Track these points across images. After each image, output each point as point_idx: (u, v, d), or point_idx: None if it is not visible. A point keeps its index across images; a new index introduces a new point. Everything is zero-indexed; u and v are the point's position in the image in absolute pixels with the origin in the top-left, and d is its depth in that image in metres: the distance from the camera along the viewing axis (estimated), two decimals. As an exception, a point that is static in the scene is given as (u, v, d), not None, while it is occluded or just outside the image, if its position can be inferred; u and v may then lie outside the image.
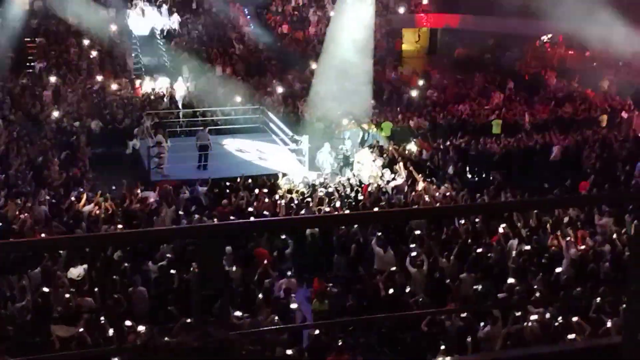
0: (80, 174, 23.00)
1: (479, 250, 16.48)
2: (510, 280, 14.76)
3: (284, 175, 23.35)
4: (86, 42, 34.60)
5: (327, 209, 19.62)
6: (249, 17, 40.71)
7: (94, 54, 33.98)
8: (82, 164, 24.01)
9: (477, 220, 18.37)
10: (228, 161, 25.80)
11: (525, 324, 12.99)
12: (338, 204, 20.22)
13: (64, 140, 25.89)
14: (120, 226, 17.96)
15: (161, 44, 36.64)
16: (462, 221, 18.02)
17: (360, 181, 22.98)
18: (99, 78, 31.73)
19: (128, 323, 12.89)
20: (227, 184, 22.03)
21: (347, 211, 19.24)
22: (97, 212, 19.08)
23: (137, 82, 32.32)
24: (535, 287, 14.66)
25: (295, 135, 27.13)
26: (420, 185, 21.72)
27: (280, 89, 32.46)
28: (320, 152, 25.68)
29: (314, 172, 24.86)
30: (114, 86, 31.06)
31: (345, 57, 29.84)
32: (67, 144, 25.45)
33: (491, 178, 24.38)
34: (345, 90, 29.50)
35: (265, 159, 26.51)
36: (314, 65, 33.90)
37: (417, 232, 17.60)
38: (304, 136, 26.58)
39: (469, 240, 17.14)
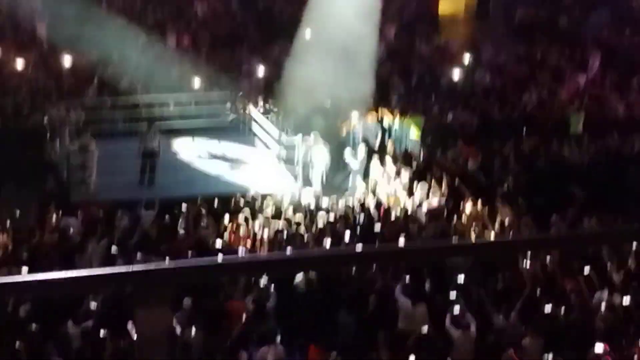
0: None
1: (551, 304, 16.44)
2: (598, 349, 14.73)
3: (267, 194, 23.33)
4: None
5: (329, 243, 19.61)
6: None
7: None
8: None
9: (548, 259, 18.31)
10: (185, 174, 25.81)
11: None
12: (347, 235, 20.21)
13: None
14: (26, 268, 17.90)
15: (87, 3, 36.76)
16: (527, 261, 17.96)
17: (378, 202, 22.98)
18: (-4, 52, 31.80)
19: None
20: (184, 207, 22.02)
21: (359, 246, 19.22)
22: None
23: (52, 58, 32.37)
24: (636, 358, 14.64)
25: (285, 134, 27.15)
26: (467, 209, 21.71)
27: (261, 69, 32.52)
28: (309, 153, 25.71)
29: (311, 187, 24.90)
30: (18, 64, 31.11)
31: (339, 21, 30.11)
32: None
33: (569, 197, 24.38)
34: (341, 70, 29.63)
35: (240, 170, 26.52)
36: (308, 35, 33.99)
37: (461, 277, 17.57)
38: (296, 136, 26.61)
39: (537, 290, 17.09)
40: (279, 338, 16.22)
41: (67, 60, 31.98)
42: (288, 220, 21.45)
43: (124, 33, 33.64)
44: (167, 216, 21.57)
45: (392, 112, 29.44)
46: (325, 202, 23.18)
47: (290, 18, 36.58)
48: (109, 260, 18.83)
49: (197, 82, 31.25)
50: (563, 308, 16.65)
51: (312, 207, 22.59)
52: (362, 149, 26.83)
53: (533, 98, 30.93)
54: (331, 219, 21.44)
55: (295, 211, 22.28)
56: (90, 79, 31.41)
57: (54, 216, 21.05)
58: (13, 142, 27.44)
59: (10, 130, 27.99)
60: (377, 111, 29.14)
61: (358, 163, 25.97)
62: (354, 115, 28.97)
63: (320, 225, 20.62)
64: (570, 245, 17.70)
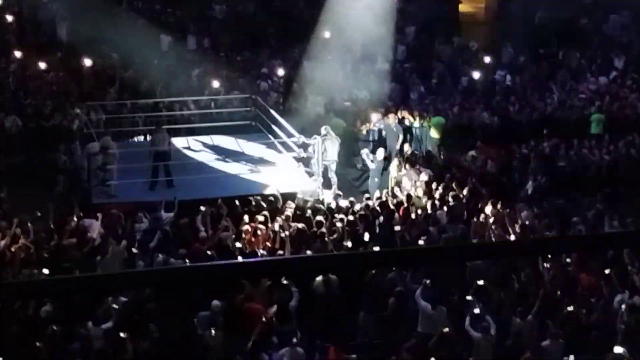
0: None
1: (571, 306, 16.39)
2: (618, 350, 14.67)
3: (287, 194, 23.33)
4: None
5: (349, 244, 19.59)
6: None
7: (9, 19, 34.21)
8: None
9: (568, 260, 18.26)
10: (205, 175, 25.83)
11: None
12: (366, 237, 20.19)
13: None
14: (46, 271, 17.97)
15: (108, 6, 36.87)
16: (546, 263, 17.91)
17: (398, 202, 22.94)
18: (17, 54, 31.91)
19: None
20: (204, 208, 22.04)
21: (378, 248, 19.20)
22: (14, 249, 19.10)
23: (73, 60, 32.49)
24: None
25: (304, 137, 27.16)
26: (488, 210, 21.66)
27: (281, 71, 32.55)
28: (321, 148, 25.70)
29: (330, 187, 24.91)
30: (40, 66, 31.23)
31: (358, 22, 30.13)
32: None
33: (589, 199, 24.30)
34: (360, 71, 29.65)
35: (260, 171, 26.52)
36: (327, 34, 34.03)
37: (481, 280, 17.54)
38: (315, 138, 26.63)
39: (557, 292, 17.03)
40: (299, 339, 16.24)
41: (88, 62, 32.09)
42: (308, 221, 21.44)
43: (145, 35, 33.73)
44: (186, 218, 21.58)
45: (412, 113, 29.43)
46: (345, 202, 23.15)
47: (309, 20, 36.62)
48: (129, 262, 18.89)
49: (215, 83, 31.30)
50: (583, 310, 16.60)
51: (332, 207, 22.56)
52: (381, 150, 26.80)
53: (554, 98, 30.87)
54: (351, 219, 21.40)
55: (315, 212, 22.27)
56: (111, 81, 31.48)
57: (75, 218, 21.09)
58: (35, 144, 27.57)
59: (31, 131, 28.10)
60: (397, 112, 29.14)
61: (376, 163, 25.94)
62: (374, 115, 28.97)
63: (340, 225, 20.58)
64: (590, 247, 17.66)
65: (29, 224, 20.25)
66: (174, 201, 22.24)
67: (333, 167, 25.67)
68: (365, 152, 26.50)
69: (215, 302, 16.64)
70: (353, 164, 27.59)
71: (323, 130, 26.05)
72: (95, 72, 31.95)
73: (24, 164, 26.69)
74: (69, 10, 35.73)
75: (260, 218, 21.19)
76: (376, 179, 25.76)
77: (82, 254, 19.32)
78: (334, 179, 25.47)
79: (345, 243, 19.68)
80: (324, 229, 20.46)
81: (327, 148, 25.68)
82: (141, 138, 29.15)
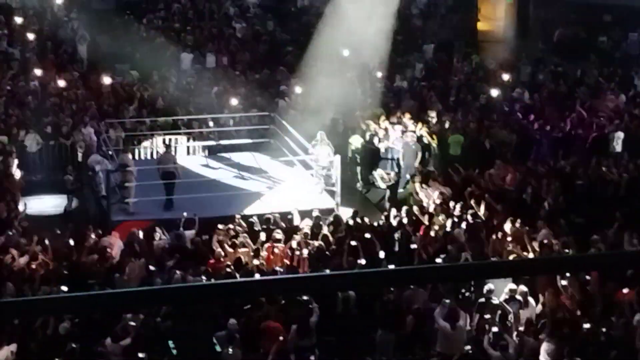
0: (7, 212, 23.15)
1: (588, 324, 16.33)
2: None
3: (306, 212, 23.34)
4: (18, 20, 35.02)
5: (363, 262, 19.60)
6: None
7: (30, 37, 34.37)
8: (10, 197, 24.19)
9: (588, 278, 18.19)
10: (223, 192, 25.86)
11: None
12: (382, 254, 20.19)
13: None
14: (64, 288, 18.03)
15: (128, 24, 37.04)
16: (564, 282, 17.86)
17: (417, 220, 22.92)
18: (37, 72, 32.05)
19: None
20: (221, 226, 22.07)
21: (393, 266, 19.19)
22: (34, 266, 19.17)
23: (92, 77, 32.61)
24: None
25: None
26: (506, 228, 21.61)
27: (298, 89, 32.61)
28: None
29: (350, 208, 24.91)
30: (60, 84, 31.35)
31: (376, 40, 30.29)
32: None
33: (609, 217, 24.22)
34: (379, 88, 29.70)
35: (278, 188, 26.54)
36: (345, 52, 34.07)
37: (498, 299, 17.49)
38: (335, 157, 26.65)
39: (577, 311, 16.97)
40: (317, 358, 16.22)
41: (107, 80, 32.20)
42: (325, 239, 21.45)
43: (164, 53, 33.86)
44: (205, 235, 21.62)
45: (430, 130, 29.41)
46: (362, 219, 23.12)
47: (327, 38, 36.69)
48: (147, 280, 18.93)
49: (233, 100, 31.36)
50: (603, 328, 16.54)
51: (350, 224, 22.55)
52: (396, 170, 26.86)
53: (573, 116, 30.76)
54: (367, 236, 21.38)
55: (332, 229, 22.28)
56: (130, 99, 31.57)
57: (94, 235, 21.16)
58: (54, 161, 27.68)
59: (51, 149, 28.20)
60: (415, 129, 29.12)
61: (391, 181, 26.01)
62: (392, 133, 28.95)
63: (355, 243, 20.56)
64: (610, 265, 17.61)
65: (48, 242, 20.33)
66: (194, 218, 22.29)
67: (323, 172, 25.83)
68: (378, 174, 26.60)
69: (232, 321, 16.65)
70: (372, 182, 27.60)
71: (318, 136, 26.28)
72: (115, 90, 32.05)
73: (43, 182, 26.80)
74: (89, 29, 35.91)
75: (278, 236, 21.21)
76: (395, 196, 25.80)
77: (102, 271, 19.37)
78: (321, 183, 25.71)
79: (360, 261, 19.67)
80: (341, 247, 20.47)
81: (318, 153, 25.93)
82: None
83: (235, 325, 16.58)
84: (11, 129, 28.31)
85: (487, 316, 16.99)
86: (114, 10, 38.15)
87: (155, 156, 28.28)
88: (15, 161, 26.35)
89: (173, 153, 26.40)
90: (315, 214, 23.43)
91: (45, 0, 36.43)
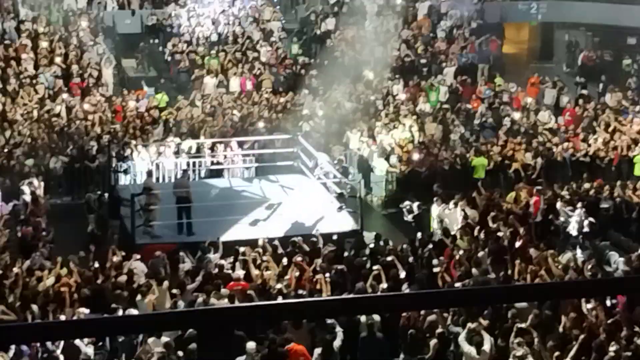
0: (32, 234, 23.25)
1: (614, 347, 16.22)
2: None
3: (329, 235, 23.33)
4: (44, 44, 35.26)
5: (385, 286, 19.57)
6: (278, 7, 41.23)
7: (56, 61, 34.60)
8: (35, 219, 24.30)
9: (615, 302, 18.09)
10: (246, 215, 25.88)
11: None
12: (402, 274, 20.19)
13: (10, 186, 26.26)
14: (87, 310, 18.08)
15: (153, 46, 37.24)
16: (590, 305, 17.76)
17: (439, 241, 22.89)
18: (64, 96, 32.25)
19: None
20: (242, 249, 22.06)
21: (413, 290, 19.15)
22: (58, 288, 19.24)
23: (118, 100, 32.79)
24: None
25: (347, 179, 27.20)
26: (530, 251, 21.55)
27: (322, 112, 32.67)
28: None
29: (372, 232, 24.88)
30: (85, 107, 31.53)
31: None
32: (14, 192, 25.82)
33: (633, 239, 24.12)
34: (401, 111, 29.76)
35: (301, 211, 26.53)
36: (370, 75, 34.15)
37: (523, 324, 17.41)
38: (358, 181, 26.67)
39: (603, 336, 16.87)
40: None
41: (132, 104, 32.37)
42: (348, 262, 21.42)
43: (189, 76, 34.00)
44: (229, 258, 21.64)
45: (454, 154, 29.40)
46: (386, 242, 23.10)
47: (354, 59, 36.80)
48: (172, 303, 18.95)
49: (259, 124, 31.44)
50: (627, 353, 16.43)
51: (372, 247, 22.52)
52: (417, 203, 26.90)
53: (597, 139, 30.70)
54: (389, 259, 21.35)
55: (355, 253, 22.26)
56: (155, 122, 31.69)
57: (117, 258, 21.21)
58: (79, 184, 27.81)
59: (76, 172, 28.33)
60: (438, 153, 29.14)
61: (416, 206, 26.06)
62: (415, 155, 28.98)
63: (377, 267, 20.53)
64: (635, 289, 17.50)
65: (72, 264, 20.41)
66: (217, 242, 22.32)
67: (347, 194, 25.99)
68: (406, 205, 26.67)
69: (251, 344, 16.55)
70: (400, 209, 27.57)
71: (342, 158, 26.45)
72: (140, 113, 32.18)
73: (68, 205, 26.93)
74: (115, 53, 36.14)
75: (300, 259, 21.20)
76: (417, 219, 25.89)
77: (125, 294, 19.41)
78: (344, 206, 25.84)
79: (382, 285, 19.65)
80: (363, 270, 20.45)
81: (341, 176, 26.16)
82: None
83: (254, 348, 16.50)
84: (37, 152, 28.49)
85: (513, 340, 16.89)
86: (139, 35, 38.39)
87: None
88: (41, 184, 26.50)
89: (190, 177, 26.36)
90: (337, 237, 23.43)
91: (72, 25, 36.63)
